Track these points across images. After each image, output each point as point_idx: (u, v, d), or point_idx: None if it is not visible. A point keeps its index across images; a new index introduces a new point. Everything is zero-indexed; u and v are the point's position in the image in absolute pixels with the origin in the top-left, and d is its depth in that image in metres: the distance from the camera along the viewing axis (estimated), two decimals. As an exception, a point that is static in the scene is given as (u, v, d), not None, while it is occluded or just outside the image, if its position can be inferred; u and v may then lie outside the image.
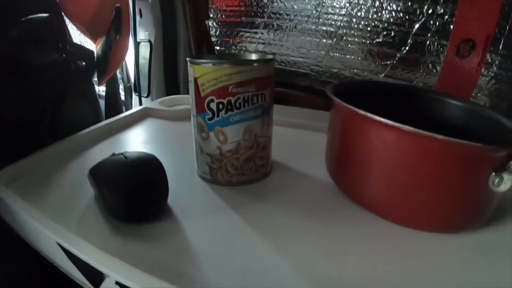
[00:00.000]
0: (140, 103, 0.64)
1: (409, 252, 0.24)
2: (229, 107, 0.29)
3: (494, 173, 0.23)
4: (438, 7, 0.45)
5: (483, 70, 0.44)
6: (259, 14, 0.57)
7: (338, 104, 0.28)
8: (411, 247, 0.25)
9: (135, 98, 0.66)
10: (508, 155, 0.23)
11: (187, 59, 0.30)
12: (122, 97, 0.68)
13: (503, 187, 0.23)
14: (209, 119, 0.29)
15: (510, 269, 0.23)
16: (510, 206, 0.29)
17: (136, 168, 0.27)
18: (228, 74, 0.28)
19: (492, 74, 0.45)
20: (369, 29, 0.50)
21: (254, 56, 0.33)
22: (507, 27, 0.42)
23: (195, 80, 0.29)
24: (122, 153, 0.29)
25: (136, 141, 0.44)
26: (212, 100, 0.29)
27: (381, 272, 0.22)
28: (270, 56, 0.32)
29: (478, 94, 0.46)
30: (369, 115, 0.24)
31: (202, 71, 0.28)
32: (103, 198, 0.27)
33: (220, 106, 0.29)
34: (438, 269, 0.23)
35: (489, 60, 0.44)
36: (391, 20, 0.48)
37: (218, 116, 0.29)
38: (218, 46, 0.64)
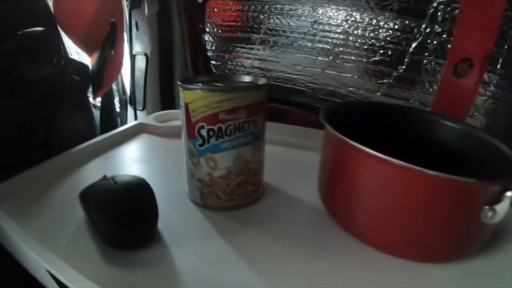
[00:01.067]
0: (135, 116, 0.64)
1: (398, 282, 0.24)
2: (219, 134, 0.28)
3: (487, 207, 0.22)
4: (436, 26, 0.44)
5: (480, 89, 0.43)
6: (255, 30, 0.57)
7: (330, 131, 0.28)
8: (401, 277, 0.24)
9: (130, 110, 0.65)
10: (503, 188, 0.22)
11: (178, 83, 0.30)
12: (118, 109, 0.68)
13: (496, 219, 0.22)
14: (200, 145, 0.29)
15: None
16: (502, 232, 0.29)
17: (125, 194, 0.28)
18: (218, 101, 0.27)
19: (490, 94, 0.44)
20: (365, 47, 0.49)
21: (247, 79, 0.33)
22: (506, 46, 0.41)
23: (186, 105, 0.29)
24: (112, 178, 0.29)
25: (130, 158, 0.44)
26: (203, 127, 0.28)
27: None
28: (263, 81, 0.31)
29: (475, 114, 0.45)
30: (359, 146, 0.24)
31: (192, 97, 0.28)
32: (93, 223, 0.28)
33: (211, 133, 0.28)
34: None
35: (487, 79, 0.43)
36: (388, 39, 0.48)
37: (208, 142, 0.29)
38: (214, 60, 0.64)
